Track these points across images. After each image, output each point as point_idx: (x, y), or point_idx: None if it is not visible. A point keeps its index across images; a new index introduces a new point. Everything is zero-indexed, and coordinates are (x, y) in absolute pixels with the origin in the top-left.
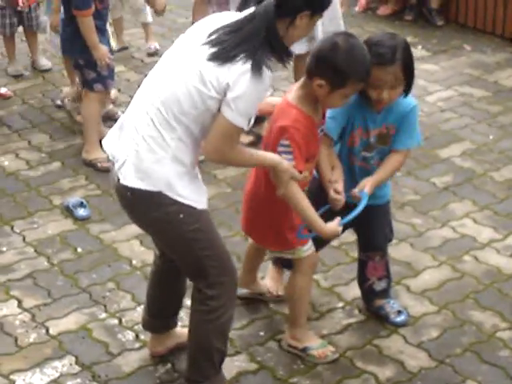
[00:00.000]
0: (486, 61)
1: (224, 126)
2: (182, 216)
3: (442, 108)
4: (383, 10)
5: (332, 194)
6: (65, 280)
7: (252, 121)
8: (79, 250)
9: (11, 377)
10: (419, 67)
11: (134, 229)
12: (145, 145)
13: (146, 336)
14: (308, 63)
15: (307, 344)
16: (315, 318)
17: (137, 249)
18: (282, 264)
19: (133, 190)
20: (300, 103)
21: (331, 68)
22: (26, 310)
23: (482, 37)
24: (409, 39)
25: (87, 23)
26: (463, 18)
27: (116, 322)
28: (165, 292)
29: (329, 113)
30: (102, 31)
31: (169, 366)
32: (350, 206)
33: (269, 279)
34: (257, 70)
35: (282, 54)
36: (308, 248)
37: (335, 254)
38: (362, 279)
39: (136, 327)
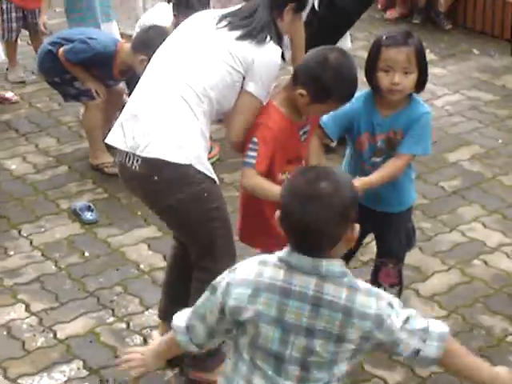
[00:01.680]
0: (494, 65)
1: (249, 101)
2: (206, 195)
3: (450, 112)
4: (391, 14)
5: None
6: (72, 284)
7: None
8: (86, 253)
9: (19, 381)
10: None
11: (141, 233)
12: (175, 119)
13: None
14: (295, 69)
15: None
16: None
17: (144, 253)
18: None
19: (162, 168)
20: (281, 104)
21: (316, 82)
22: (33, 313)
23: (489, 41)
24: None
25: (73, 70)
26: (471, 22)
27: (124, 326)
28: (182, 275)
29: (331, 112)
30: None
31: (177, 370)
32: None
33: None
34: (279, 49)
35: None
36: None
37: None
38: (374, 284)
39: (144, 331)
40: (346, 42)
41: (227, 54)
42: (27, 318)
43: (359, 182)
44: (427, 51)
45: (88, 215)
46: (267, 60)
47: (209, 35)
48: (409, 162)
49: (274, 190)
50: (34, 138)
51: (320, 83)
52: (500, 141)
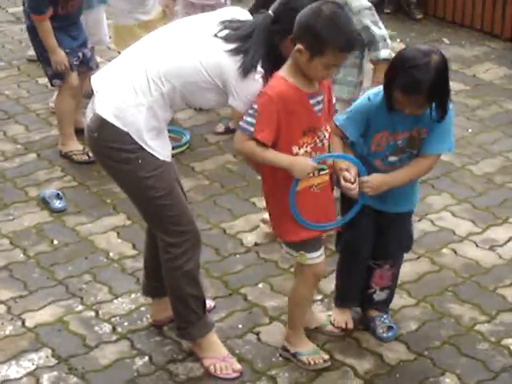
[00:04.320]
0: (465, 54)
1: (233, 113)
2: (140, 161)
3: None
4: None
5: (342, 182)
6: (41, 272)
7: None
8: (55, 242)
9: None
10: None
11: (110, 221)
12: (130, 88)
13: (122, 329)
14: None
15: (298, 349)
16: None
17: (114, 241)
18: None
19: (102, 127)
20: (288, 73)
21: (310, 33)
22: (1, 302)
23: (460, 30)
24: (387, 32)
25: (42, 27)
26: (442, 12)
27: (93, 314)
28: (152, 250)
29: (347, 111)
30: (65, 31)
31: (146, 358)
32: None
33: (335, 312)
34: (258, 82)
35: (272, 65)
36: (313, 257)
37: None
38: (365, 286)
39: (113, 320)
40: None
41: (208, 58)
42: None
43: (379, 178)
44: (397, 40)
45: (57, 203)
46: (245, 91)
47: (202, 35)
48: (435, 161)
49: (270, 154)
50: (2, 126)
51: (315, 34)
52: (470, 130)
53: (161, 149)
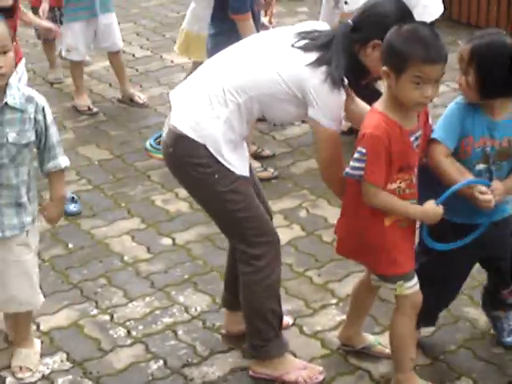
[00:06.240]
0: None
1: (315, 129)
2: (216, 176)
3: (434, 103)
4: None
5: (478, 195)
6: (56, 276)
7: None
8: (70, 245)
9: (1, 373)
10: None
11: (125, 224)
12: (206, 100)
13: (137, 332)
14: None
15: None
16: (309, 315)
17: (128, 244)
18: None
19: (177, 140)
20: (386, 108)
21: (391, 51)
22: None
23: (475, 32)
24: None
25: (246, 26)
26: (457, 14)
27: (107, 318)
28: (233, 266)
29: (443, 121)
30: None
31: (161, 362)
32: (457, 227)
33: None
34: (341, 96)
35: (356, 77)
36: (412, 285)
37: (329, 250)
38: (495, 294)
39: (128, 323)
40: None
41: (287, 69)
42: None
43: (501, 184)
44: None
45: (71, 207)
46: (328, 103)
47: (279, 47)
48: None
49: (402, 207)
50: None
51: (394, 50)
52: None
53: (237, 163)
